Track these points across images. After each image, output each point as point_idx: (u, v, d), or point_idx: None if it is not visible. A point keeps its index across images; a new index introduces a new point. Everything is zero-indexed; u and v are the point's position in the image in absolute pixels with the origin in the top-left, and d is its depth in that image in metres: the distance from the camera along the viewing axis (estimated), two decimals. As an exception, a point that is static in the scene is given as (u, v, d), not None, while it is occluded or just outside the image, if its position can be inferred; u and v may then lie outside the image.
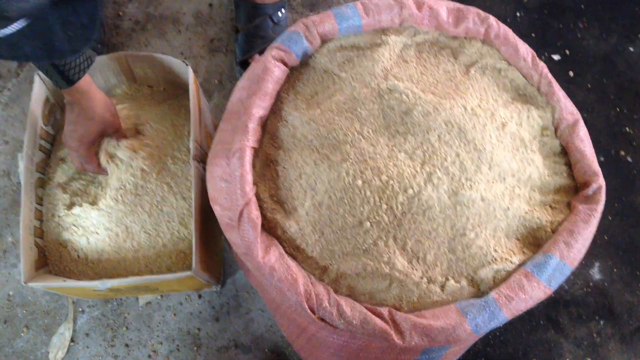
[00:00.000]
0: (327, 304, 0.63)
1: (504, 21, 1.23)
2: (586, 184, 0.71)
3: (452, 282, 0.66)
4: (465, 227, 0.66)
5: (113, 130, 0.84)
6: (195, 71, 1.15)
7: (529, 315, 1.05)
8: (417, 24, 0.77)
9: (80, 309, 1.02)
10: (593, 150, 0.74)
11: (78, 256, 0.87)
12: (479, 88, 0.74)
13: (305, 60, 0.77)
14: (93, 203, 0.86)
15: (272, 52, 0.72)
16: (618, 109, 1.20)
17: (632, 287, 1.08)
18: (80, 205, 0.86)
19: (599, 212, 0.69)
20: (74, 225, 0.86)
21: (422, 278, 0.66)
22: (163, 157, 0.89)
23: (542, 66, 0.76)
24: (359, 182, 0.65)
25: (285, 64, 0.73)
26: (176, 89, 0.99)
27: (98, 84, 0.90)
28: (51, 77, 0.72)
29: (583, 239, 0.67)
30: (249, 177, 0.67)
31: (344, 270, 0.66)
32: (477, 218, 0.67)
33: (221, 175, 0.70)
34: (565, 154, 0.75)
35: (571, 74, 1.22)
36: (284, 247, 0.67)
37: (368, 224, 0.65)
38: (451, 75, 0.75)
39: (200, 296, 1.03)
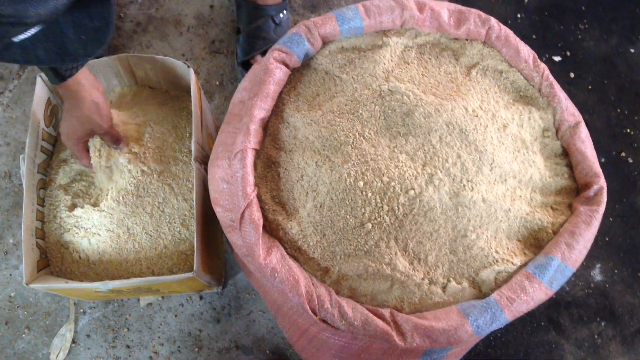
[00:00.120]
0: (329, 305, 0.63)
1: (505, 23, 1.23)
2: (587, 186, 0.71)
3: (453, 283, 0.66)
4: (467, 229, 0.66)
5: (103, 132, 0.82)
6: (196, 72, 1.16)
7: (530, 317, 1.05)
8: (418, 25, 0.77)
9: (81, 310, 1.02)
10: (594, 151, 0.74)
11: (79, 257, 0.87)
12: (480, 89, 0.74)
13: (307, 62, 0.77)
14: (95, 204, 0.87)
15: (274, 54, 0.72)
16: (619, 110, 1.20)
17: (633, 289, 1.08)
18: (82, 207, 0.86)
19: (600, 214, 0.69)
20: (75, 226, 0.86)
21: (423, 279, 0.66)
22: (164, 159, 0.89)
23: (543, 68, 0.76)
24: (361, 183, 0.65)
25: (286, 65, 0.73)
26: (177, 91, 0.99)
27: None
28: (45, 71, 0.74)
29: (584, 240, 0.67)
30: (251, 179, 0.67)
31: (345, 271, 0.66)
32: (479, 219, 0.67)
33: (223, 176, 0.70)
34: (567, 156, 0.75)
35: (572, 75, 1.22)
36: (285, 249, 0.67)
37: (369, 225, 0.65)
38: (452, 77, 0.75)
39: (201, 297, 1.03)
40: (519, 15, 1.26)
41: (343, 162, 0.67)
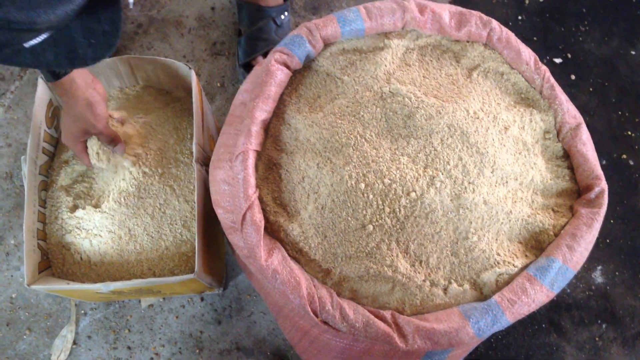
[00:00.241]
0: (330, 307, 0.63)
1: (506, 25, 1.23)
2: (588, 188, 0.71)
3: (454, 285, 0.66)
4: (468, 231, 0.66)
5: (96, 132, 0.81)
6: (197, 74, 1.16)
7: (531, 319, 1.05)
8: (419, 27, 0.77)
9: (82, 312, 1.02)
10: (595, 153, 0.74)
11: (81, 258, 0.87)
12: (482, 92, 0.74)
13: (308, 64, 0.77)
14: (96, 206, 0.87)
15: (275, 56, 0.72)
16: (620, 112, 1.20)
17: (634, 291, 1.08)
18: (84, 208, 0.86)
19: (602, 216, 0.69)
20: (77, 227, 0.86)
21: (424, 281, 0.66)
22: (166, 160, 0.89)
23: (545, 70, 0.76)
24: (362, 185, 0.65)
25: (288, 67, 0.74)
26: (179, 92, 0.99)
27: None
28: (41, 69, 0.74)
29: (586, 242, 0.67)
30: (252, 180, 0.67)
31: (346, 273, 0.66)
32: (480, 221, 0.67)
33: (224, 178, 0.70)
34: (568, 158, 0.75)
35: (573, 77, 1.22)
36: (286, 250, 0.67)
37: (371, 227, 0.65)
38: (454, 79, 0.75)
39: (202, 299, 1.03)
40: (520, 17, 1.26)
41: (344, 164, 0.67)
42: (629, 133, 1.18)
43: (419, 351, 0.65)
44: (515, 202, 0.69)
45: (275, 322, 1.02)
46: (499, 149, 0.69)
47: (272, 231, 0.68)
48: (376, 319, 0.63)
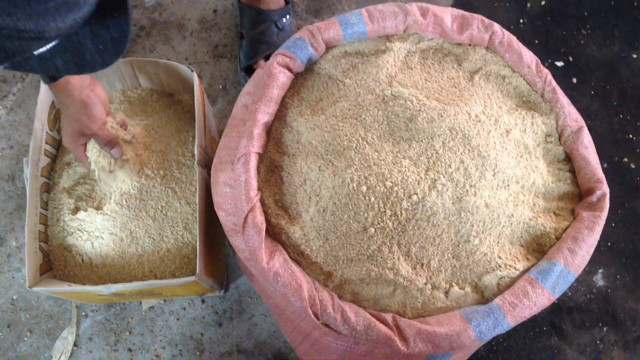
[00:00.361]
0: (331, 310, 0.63)
1: (508, 28, 1.23)
2: (590, 191, 0.71)
3: (456, 288, 0.66)
4: (470, 234, 0.66)
5: (91, 133, 0.80)
6: (199, 76, 1.16)
7: (533, 322, 1.05)
8: (421, 30, 0.77)
9: (83, 313, 1.02)
10: (597, 157, 0.74)
11: (82, 261, 0.87)
12: (483, 95, 0.74)
13: (310, 67, 0.77)
14: (98, 208, 0.87)
15: (277, 59, 0.73)
16: (621, 116, 1.20)
17: (636, 294, 1.08)
18: (85, 210, 0.86)
19: (603, 219, 0.69)
20: (78, 229, 0.86)
21: (426, 284, 0.66)
22: (167, 162, 0.89)
23: (546, 73, 0.76)
24: (364, 188, 0.65)
25: (290, 70, 0.74)
26: (181, 95, 0.99)
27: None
28: None
29: (587, 246, 0.67)
30: (254, 183, 0.67)
31: (348, 275, 0.66)
32: (481, 224, 0.67)
33: (226, 180, 0.70)
34: (569, 161, 0.75)
35: (574, 80, 1.22)
36: (288, 253, 0.67)
37: (372, 229, 0.65)
38: (455, 82, 0.75)
39: (203, 301, 1.03)
40: (521, 21, 1.26)
41: (346, 166, 0.67)
42: (631, 136, 1.18)
43: (420, 354, 0.65)
44: (517, 205, 0.69)
45: (276, 325, 1.02)
46: (501, 152, 0.69)
47: (274, 234, 0.68)
48: (377, 322, 0.63)
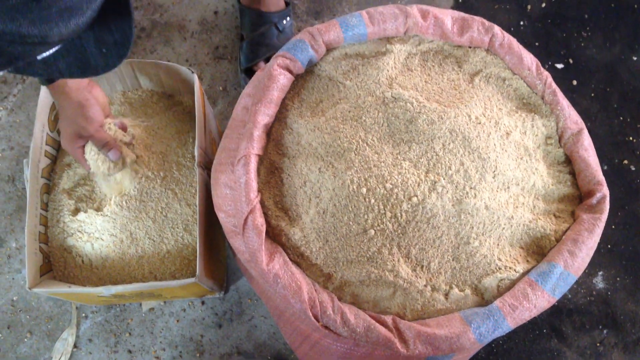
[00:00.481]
0: (331, 312, 0.63)
1: (508, 30, 1.23)
2: (590, 193, 0.71)
3: (456, 290, 0.66)
4: (470, 236, 0.66)
5: (88, 135, 0.80)
6: (200, 78, 1.16)
7: (532, 324, 1.05)
8: (421, 32, 0.77)
9: (83, 315, 1.02)
10: (597, 159, 0.74)
11: (82, 262, 0.87)
12: (483, 97, 0.74)
13: (311, 68, 0.77)
14: (98, 209, 0.87)
15: (278, 60, 0.73)
16: (621, 118, 1.20)
17: (636, 296, 1.08)
18: (85, 211, 0.86)
19: (603, 222, 0.69)
20: (78, 231, 0.86)
21: (426, 286, 0.66)
22: (168, 164, 0.89)
23: (547, 75, 0.76)
24: (364, 190, 0.65)
25: (290, 71, 0.74)
26: (181, 96, 1.00)
27: (104, 89, 0.91)
28: None
29: (587, 248, 0.67)
30: (254, 184, 0.67)
31: (348, 277, 0.66)
32: (481, 226, 0.67)
33: (226, 182, 0.70)
34: (569, 163, 0.75)
35: (575, 82, 1.22)
36: (288, 255, 0.67)
37: (372, 231, 0.65)
38: (455, 84, 0.76)
39: (203, 303, 1.03)
40: (522, 23, 1.26)
41: (346, 168, 0.67)
42: (631, 139, 1.18)
43: (420, 356, 0.65)
44: (517, 207, 0.69)
45: (276, 326, 1.02)
46: (501, 154, 0.69)
47: (274, 235, 0.68)
48: (377, 324, 0.63)
